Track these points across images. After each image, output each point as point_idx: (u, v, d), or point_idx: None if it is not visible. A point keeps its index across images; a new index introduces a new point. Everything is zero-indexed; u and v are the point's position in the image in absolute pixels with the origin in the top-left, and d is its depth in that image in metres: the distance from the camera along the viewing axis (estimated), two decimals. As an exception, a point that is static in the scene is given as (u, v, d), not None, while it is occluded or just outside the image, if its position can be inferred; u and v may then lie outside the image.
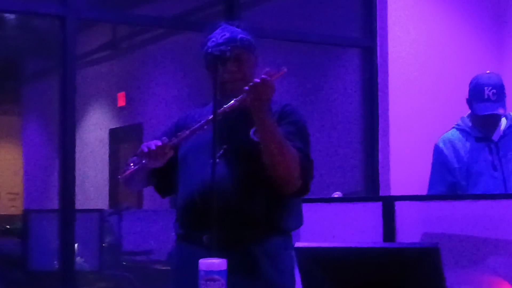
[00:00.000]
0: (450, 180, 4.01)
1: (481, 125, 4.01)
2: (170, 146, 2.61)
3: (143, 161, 2.63)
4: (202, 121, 2.63)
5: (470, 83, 4.05)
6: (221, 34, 2.72)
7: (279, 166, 2.55)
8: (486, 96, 3.94)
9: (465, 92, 4.04)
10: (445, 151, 4.04)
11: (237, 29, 2.76)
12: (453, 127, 4.13)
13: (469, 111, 4.08)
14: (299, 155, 2.60)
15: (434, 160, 4.11)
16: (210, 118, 2.57)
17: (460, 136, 4.05)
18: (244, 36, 2.74)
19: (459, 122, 4.11)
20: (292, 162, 2.55)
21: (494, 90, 3.95)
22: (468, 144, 4.02)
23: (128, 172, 2.69)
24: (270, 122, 2.54)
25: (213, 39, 2.72)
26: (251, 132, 2.65)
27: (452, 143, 4.04)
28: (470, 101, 4.03)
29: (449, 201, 3.32)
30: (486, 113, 3.94)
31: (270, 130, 2.54)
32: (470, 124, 4.05)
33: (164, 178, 2.81)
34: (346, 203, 3.58)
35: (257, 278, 2.61)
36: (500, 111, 3.96)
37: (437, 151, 4.09)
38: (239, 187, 2.62)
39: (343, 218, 3.39)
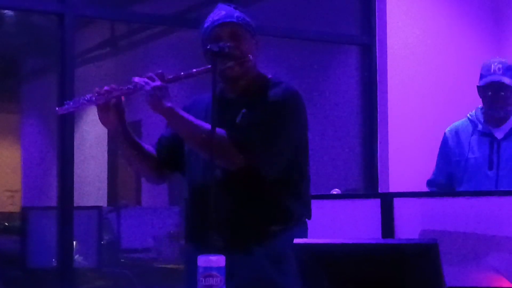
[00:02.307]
0: (449, 170, 4.02)
1: (488, 106, 3.99)
2: (117, 95, 2.63)
3: (87, 99, 2.65)
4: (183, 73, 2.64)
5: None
6: (217, 12, 2.72)
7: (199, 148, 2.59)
8: (492, 70, 3.96)
9: (464, 89, 4.05)
10: (450, 141, 4.03)
11: (234, 9, 2.75)
12: (467, 117, 4.11)
13: (480, 105, 4.08)
14: (228, 132, 2.57)
15: (439, 149, 4.12)
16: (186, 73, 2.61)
17: (469, 127, 4.03)
18: (240, 15, 2.73)
19: (472, 112, 4.09)
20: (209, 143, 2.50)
21: (500, 65, 3.97)
22: (472, 138, 4.00)
23: (66, 106, 2.70)
24: (172, 115, 2.58)
25: (209, 19, 2.71)
26: (238, 118, 2.65)
27: (458, 134, 4.03)
28: (479, 86, 4.03)
29: (447, 198, 3.32)
30: (489, 81, 3.94)
31: (176, 123, 2.62)
32: (481, 118, 4.03)
33: (172, 155, 2.81)
34: (345, 200, 3.57)
35: (261, 279, 2.60)
36: (505, 80, 3.94)
37: (444, 140, 4.09)
38: (235, 184, 2.61)
39: (342, 215, 3.39)
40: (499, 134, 3.99)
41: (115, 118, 2.68)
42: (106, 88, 2.64)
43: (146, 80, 2.59)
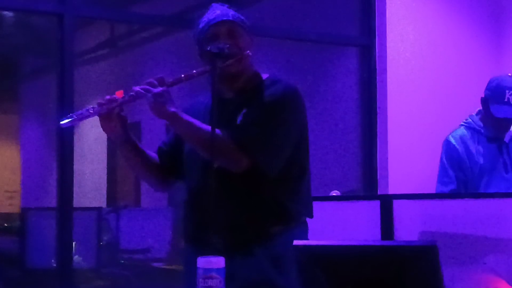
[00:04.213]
0: (462, 178, 3.96)
1: (493, 126, 3.96)
2: (119, 104, 2.62)
3: (90, 111, 2.63)
4: (179, 76, 2.63)
5: (490, 82, 3.99)
6: (212, 12, 2.72)
7: (203, 151, 2.56)
8: (506, 99, 3.90)
9: (463, 90, 4.04)
10: (459, 149, 3.98)
11: (228, 9, 2.75)
12: (462, 125, 4.07)
13: (477, 110, 4.04)
14: (231, 134, 2.56)
15: (446, 158, 4.02)
16: (182, 76, 2.60)
17: (471, 134, 4.00)
18: (235, 13, 2.73)
19: (468, 120, 4.05)
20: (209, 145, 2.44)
21: None
22: (479, 144, 3.98)
23: (70, 119, 2.68)
24: (177, 120, 2.58)
25: (204, 19, 2.72)
26: (238, 119, 2.65)
27: (464, 142, 3.98)
28: (486, 101, 3.96)
29: (446, 200, 3.32)
30: (504, 117, 3.90)
31: (179, 128, 2.61)
32: (480, 123, 4.00)
33: (173, 161, 2.81)
34: (344, 202, 3.58)
35: (261, 281, 2.59)
36: None
37: (450, 149, 4.01)
38: (235, 185, 2.61)
39: (341, 217, 3.39)
40: (506, 137, 3.98)
41: (118, 127, 2.68)
42: (107, 97, 2.64)
43: (147, 87, 2.58)
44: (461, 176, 3.97)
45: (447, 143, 4.03)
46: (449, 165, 4.01)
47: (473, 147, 3.97)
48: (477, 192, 3.84)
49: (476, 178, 3.95)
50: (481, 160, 3.94)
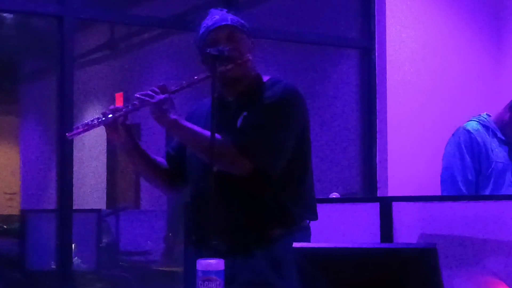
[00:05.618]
0: (478, 169, 3.96)
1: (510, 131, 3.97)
2: (124, 113, 2.63)
3: (95, 122, 2.64)
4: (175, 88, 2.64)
5: None
6: (211, 18, 2.73)
7: (205, 155, 2.56)
8: None
9: (463, 92, 4.03)
10: (479, 141, 3.97)
11: (227, 13, 2.76)
12: (474, 120, 4.05)
13: (485, 113, 4.04)
14: (232, 138, 2.57)
15: (466, 147, 4.00)
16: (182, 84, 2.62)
17: (484, 131, 4.00)
18: (234, 17, 2.74)
19: (481, 117, 4.05)
20: (212, 150, 2.42)
21: None
22: (492, 143, 3.98)
23: (76, 130, 2.69)
24: (176, 126, 2.59)
25: (203, 25, 2.72)
26: (238, 121, 2.65)
27: (481, 136, 3.99)
28: None
29: (446, 202, 3.32)
30: None
31: (181, 135, 2.64)
32: (494, 125, 4.00)
33: (179, 167, 2.82)
34: (343, 204, 3.58)
35: (261, 283, 2.59)
36: None
37: (471, 138, 3.98)
38: (237, 188, 2.61)
39: (340, 219, 3.39)
40: None
41: (124, 135, 2.69)
42: (111, 107, 2.65)
43: (149, 95, 2.59)
44: (478, 167, 3.96)
45: (466, 132, 4.00)
46: (469, 154, 3.98)
47: (489, 144, 3.97)
48: (477, 195, 3.85)
49: (488, 173, 3.95)
50: (497, 158, 3.95)
